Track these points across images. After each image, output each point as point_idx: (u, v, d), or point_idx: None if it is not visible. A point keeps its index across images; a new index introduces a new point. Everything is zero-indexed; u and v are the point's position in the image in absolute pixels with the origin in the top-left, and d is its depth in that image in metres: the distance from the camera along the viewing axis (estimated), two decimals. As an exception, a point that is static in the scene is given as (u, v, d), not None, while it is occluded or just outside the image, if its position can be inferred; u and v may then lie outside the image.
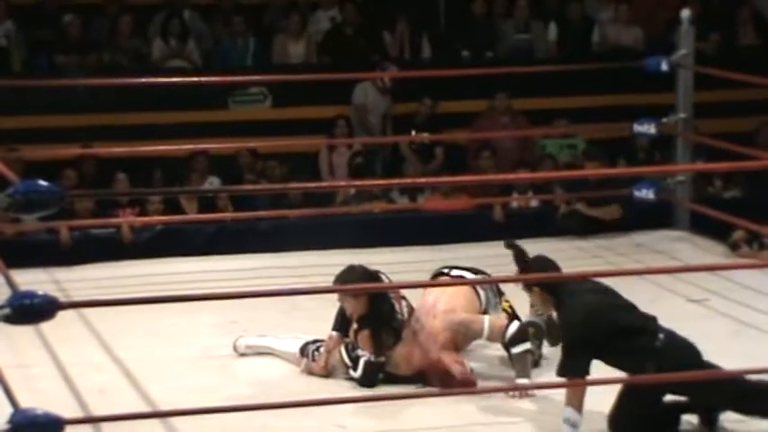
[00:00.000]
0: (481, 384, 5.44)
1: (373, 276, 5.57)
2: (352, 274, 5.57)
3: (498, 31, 10.49)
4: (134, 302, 4.97)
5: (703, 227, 8.07)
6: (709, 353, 4.96)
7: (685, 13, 8.15)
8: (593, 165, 8.24)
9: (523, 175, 8.62)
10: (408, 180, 8.64)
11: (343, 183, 9.25)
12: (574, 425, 4.64)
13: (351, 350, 5.55)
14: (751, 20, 11.09)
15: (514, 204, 8.81)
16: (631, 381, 4.77)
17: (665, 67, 8.03)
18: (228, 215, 8.35)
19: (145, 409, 5.17)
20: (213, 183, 8.78)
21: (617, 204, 8.33)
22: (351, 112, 9.69)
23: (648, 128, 8.24)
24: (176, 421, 4.91)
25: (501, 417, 5.12)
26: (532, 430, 5.02)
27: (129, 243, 7.99)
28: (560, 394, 4.79)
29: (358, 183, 8.62)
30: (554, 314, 5.09)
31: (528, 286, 5.04)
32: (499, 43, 10.44)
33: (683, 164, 8.20)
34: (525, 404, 5.24)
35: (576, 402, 4.64)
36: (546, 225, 8.40)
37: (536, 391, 5.29)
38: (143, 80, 8.66)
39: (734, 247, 7.83)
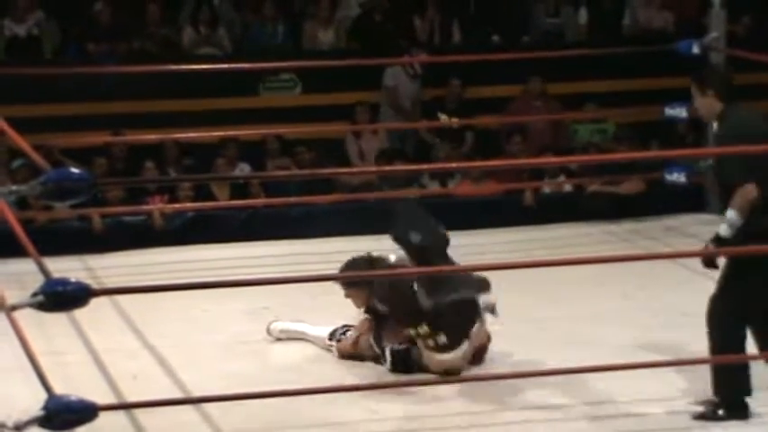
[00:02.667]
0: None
1: (375, 262, 5.57)
2: (354, 266, 5.59)
3: (528, 15, 10.45)
4: (166, 289, 4.99)
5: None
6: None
7: (716, -4, 8.10)
8: (623, 149, 8.21)
9: (553, 159, 8.60)
10: (438, 165, 8.63)
11: (373, 168, 9.25)
12: (731, 225, 4.67)
13: (377, 339, 5.56)
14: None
15: (546, 189, 8.79)
16: None
17: (696, 50, 7.97)
18: (260, 201, 8.37)
19: (178, 395, 5.20)
20: (244, 169, 8.80)
21: (638, 178, 8.31)
22: (382, 95, 9.69)
23: (680, 111, 8.18)
24: (209, 407, 4.94)
25: (531, 400, 5.11)
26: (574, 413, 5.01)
27: (161, 230, 8.03)
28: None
29: (387, 168, 8.60)
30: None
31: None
32: (530, 28, 10.40)
33: (714, 147, 8.13)
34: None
35: (739, 206, 4.64)
36: (576, 209, 8.38)
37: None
38: (173, 67, 8.68)
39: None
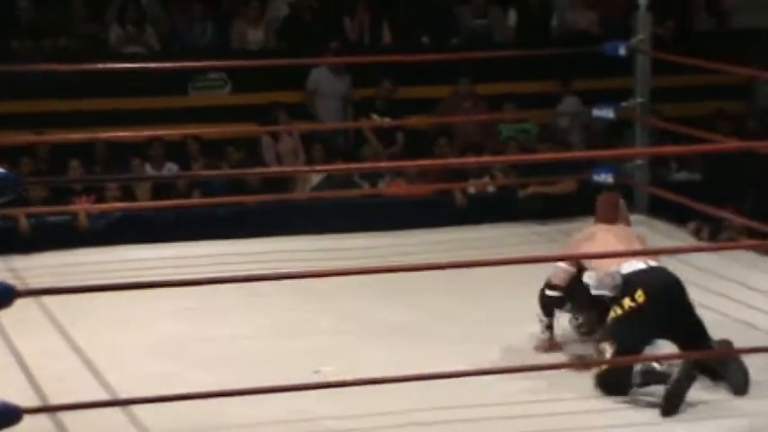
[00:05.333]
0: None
1: None
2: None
3: (457, 16, 10.51)
4: (92, 290, 4.94)
5: (661, 210, 8.12)
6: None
7: (642, -1, 8.19)
8: (545, 148, 8.30)
9: (484, 158, 8.64)
10: (369, 164, 8.64)
11: (306, 168, 9.23)
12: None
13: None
14: (706, 5, 11.19)
15: (471, 190, 8.83)
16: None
17: (623, 51, 8.07)
18: (189, 201, 8.30)
19: (104, 397, 5.14)
20: (171, 169, 8.73)
21: (570, 178, 8.42)
22: (306, 97, 9.69)
23: (607, 112, 8.28)
24: (136, 409, 4.89)
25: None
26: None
27: (86, 230, 7.94)
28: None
29: (319, 168, 8.59)
30: None
31: None
32: (458, 29, 10.45)
33: (641, 147, 8.24)
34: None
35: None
36: (506, 209, 8.42)
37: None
38: (100, 66, 8.59)
39: (695, 232, 7.94)
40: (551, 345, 5.69)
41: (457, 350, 5.72)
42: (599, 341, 5.26)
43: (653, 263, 5.28)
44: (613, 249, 5.38)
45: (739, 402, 5.05)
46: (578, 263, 5.53)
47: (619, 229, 5.65)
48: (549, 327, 5.70)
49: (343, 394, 5.01)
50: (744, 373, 5.10)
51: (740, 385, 5.07)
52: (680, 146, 7.90)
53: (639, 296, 5.11)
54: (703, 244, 7.73)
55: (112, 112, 9.13)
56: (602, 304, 5.38)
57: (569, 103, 10.02)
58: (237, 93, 9.69)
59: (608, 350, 5.10)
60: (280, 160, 9.31)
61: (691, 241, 7.83)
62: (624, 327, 5.10)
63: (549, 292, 5.63)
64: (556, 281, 5.62)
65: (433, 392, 5.06)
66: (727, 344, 5.21)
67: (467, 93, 9.75)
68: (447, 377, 5.05)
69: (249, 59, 9.51)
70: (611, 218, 5.73)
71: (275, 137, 9.34)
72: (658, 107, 8.85)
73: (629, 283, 5.16)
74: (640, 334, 5.12)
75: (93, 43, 9.69)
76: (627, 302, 5.12)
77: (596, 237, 5.55)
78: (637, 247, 5.49)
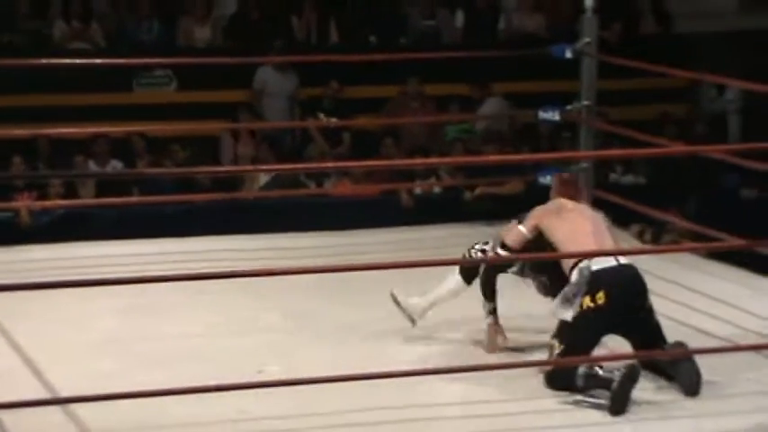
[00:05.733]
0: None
1: None
2: None
3: (405, 17, 10.52)
4: (33, 287, 4.87)
5: (605, 213, 8.16)
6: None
7: (589, 2, 8.23)
8: (490, 148, 8.33)
9: (431, 159, 8.66)
10: (315, 165, 8.63)
11: (250, 167, 9.18)
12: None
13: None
14: (651, 10, 11.29)
15: (418, 190, 8.84)
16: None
17: (569, 54, 8.11)
18: (134, 200, 8.23)
19: (44, 395, 5.07)
20: (116, 167, 8.66)
21: (517, 179, 8.46)
22: (253, 96, 9.65)
23: (553, 115, 8.31)
24: (76, 407, 4.82)
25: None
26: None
27: (28, 227, 7.84)
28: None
29: (264, 167, 8.56)
30: None
31: None
32: (406, 29, 10.47)
33: (586, 150, 8.29)
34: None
35: None
36: (453, 210, 8.44)
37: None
38: (44, 61, 8.49)
39: (638, 235, 8.01)
40: (497, 331, 5.66)
41: (404, 350, 5.72)
42: (551, 337, 5.25)
43: (624, 260, 5.27)
44: (582, 229, 5.36)
45: (689, 403, 5.08)
46: (536, 230, 5.50)
47: (585, 208, 5.64)
48: (493, 311, 5.66)
49: (287, 394, 4.98)
50: (695, 374, 5.11)
51: (691, 386, 5.09)
52: (626, 149, 7.96)
53: (600, 298, 5.09)
54: (646, 246, 7.80)
55: (56, 109, 9.04)
56: (557, 268, 5.36)
57: (492, 104, 10.03)
58: (183, 90, 9.63)
59: (556, 348, 5.10)
60: (236, 161, 9.26)
61: (634, 243, 7.88)
62: (576, 327, 5.10)
63: (500, 251, 5.59)
64: (510, 242, 5.59)
65: (380, 392, 5.05)
66: (681, 346, 5.23)
67: (415, 93, 9.76)
68: (394, 377, 5.04)
69: (195, 57, 9.46)
70: (573, 195, 5.71)
71: (236, 137, 9.30)
72: (604, 110, 8.90)
73: (594, 282, 5.12)
74: (592, 335, 5.12)
75: (37, 39, 9.59)
76: (586, 302, 5.10)
77: (564, 212, 5.51)
78: (604, 229, 5.47)
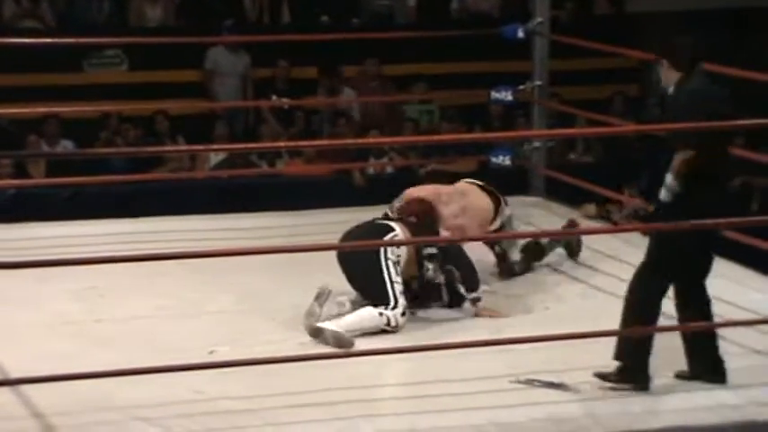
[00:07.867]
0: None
1: None
2: None
3: (358, -3, 10.53)
4: (-17, 268, 4.83)
5: (558, 193, 8.23)
6: (561, 314, 5.06)
7: (541, -19, 8.26)
8: (449, 127, 8.35)
9: (384, 139, 8.68)
10: (268, 144, 8.62)
11: (202, 147, 9.16)
12: (669, 190, 4.79)
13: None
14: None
15: (371, 170, 8.86)
16: None
17: (521, 34, 8.13)
18: (86, 179, 8.17)
19: (-5, 377, 5.05)
20: (67, 147, 8.60)
21: (469, 159, 8.51)
22: (205, 76, 9.62)
23: (505, 95, 8.34)
24: (27, 388, 4.80)
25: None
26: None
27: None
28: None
29: (216, 147, 8.54)
30: None
31: None
32: (359, 10, 10.45)
33: (539, 130, 8.34)
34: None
35: (676, 171, 4.76)
36: (405, 189, 8.45)
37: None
38: (-7, 40, 8.41)
39: (591, 215, 8.07)
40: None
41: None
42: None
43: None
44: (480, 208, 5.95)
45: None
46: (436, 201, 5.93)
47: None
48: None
49: (239, 374, 4.99)
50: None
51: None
52: (578, 128, 8.02)
53: None
54: (598, 225, 7.84)
55: (6, 89, 8.95)
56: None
57: None
58: (135, 70, 9.57)
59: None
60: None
61: (586, 223, 7.93)
62: None
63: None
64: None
65: (330, 373, 5.07)
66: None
67: (374, 73, 9.77)
68: (342, 357, 5.06)
69: (147, 37, 9.40)
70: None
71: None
72: (557, 90, 8.95)
73: None
74: None
75: (-15, 17, 9.49)
76: None
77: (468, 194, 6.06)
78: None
